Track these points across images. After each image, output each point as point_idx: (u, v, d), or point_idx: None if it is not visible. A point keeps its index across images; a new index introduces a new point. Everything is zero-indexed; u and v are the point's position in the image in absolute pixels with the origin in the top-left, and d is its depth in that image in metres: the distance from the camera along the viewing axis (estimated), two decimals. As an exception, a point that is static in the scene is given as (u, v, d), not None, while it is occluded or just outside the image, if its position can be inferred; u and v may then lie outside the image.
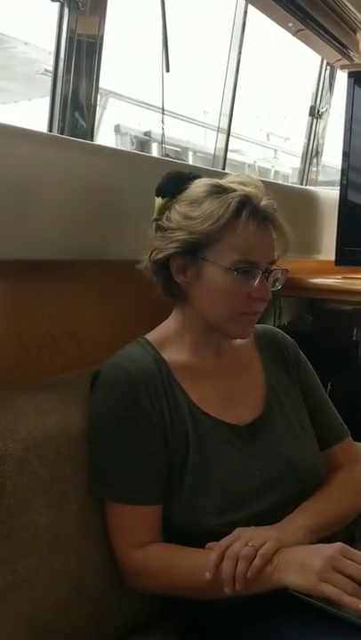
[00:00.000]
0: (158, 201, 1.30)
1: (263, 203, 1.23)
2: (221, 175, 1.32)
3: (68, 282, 1.53)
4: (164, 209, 1.29)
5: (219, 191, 1.24)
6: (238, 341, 1.38)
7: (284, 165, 4.84)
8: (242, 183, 1.26)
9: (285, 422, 1.35)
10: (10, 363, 1.42)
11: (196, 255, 1.24)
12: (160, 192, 1.30)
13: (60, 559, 1.20)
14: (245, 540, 1.11)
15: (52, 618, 1.19)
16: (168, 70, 1.70)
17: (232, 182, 1.26)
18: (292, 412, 1.37)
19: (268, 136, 5.31)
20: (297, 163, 3.16)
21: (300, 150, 3.08)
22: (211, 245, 1.22)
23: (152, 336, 1.35)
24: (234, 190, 1.23)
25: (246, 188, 1.24)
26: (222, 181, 1.27)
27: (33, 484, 1.16)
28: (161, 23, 1.67)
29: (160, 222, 1.28)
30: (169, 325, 1.35)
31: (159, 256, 1.26)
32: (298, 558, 1.10)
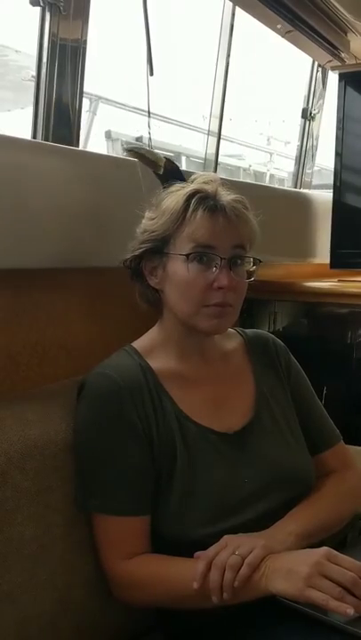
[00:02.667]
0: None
1: (217, 195, 1.24)
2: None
3: (56, 290, 1.51)
4: None
5: (175, 190, 1.26)
6: (228, 347, 1.38)
7: (282, 169, 4.83)
8: (202, 182, 1.27)
9: (275, 429, 1.33)
10: (-3, 374, 1.40)
11: (159, 251, 1.26)
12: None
13: (46, 572, 1.18)
14: (232, 549, 1.09)
15: (39, 632, 1.16)
16: (152, 74, 1.69)
17: (193, 182, 1.28)
18: (283, 419, 1.35)
19: (268, 140, 5.30)
20: (291, 166, 3.14)
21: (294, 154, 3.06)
22: (170, 240, 1.24)
23: (138, 344, 1.33)
24: (188, 187, 1.26)
25: (205, 186, 1.25)
26: (184, 183, 1.30)
27: (16, 497, 1.13)
28: (144, 27, 1.66)
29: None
30: (155, 332, 1.34)
31: (128, 258, 1.29)
32: (284, 565, 1.08)
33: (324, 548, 1.09)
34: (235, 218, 1.23)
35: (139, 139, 2.71)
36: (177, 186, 1.28)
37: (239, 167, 4.08)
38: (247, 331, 1.44)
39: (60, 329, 1.53)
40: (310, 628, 1.06)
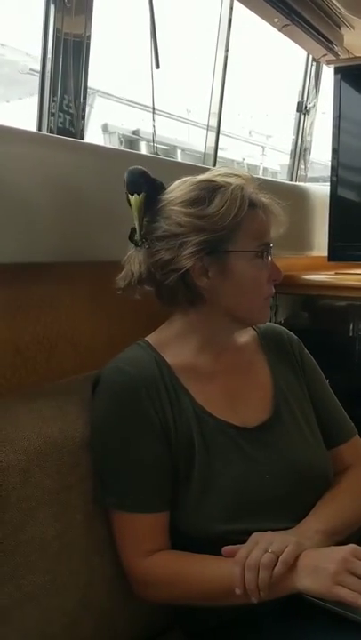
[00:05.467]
0: (136, 198, 1.25)
1: (258, 188, 1.27)
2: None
3: (62, 285, 1.50)
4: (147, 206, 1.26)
5: (218, 186, 1.23)
6: (242, 341, 1.37)
7: (270, 162, 4.84)
8: (227, 175, 1.26)
9: (294, 424, 1.32)
10: (5, 369, 1.39)
11: (217, 251, 1.21)
12: (135, 188, 1.25)
13: (67, 572, 1.16)
14: (264, 547, 1.07)
15: (61, 632, 1.15)
16: (158, 67, 1.66)
17: (218, 176, 1.26)
18: (300, 413, 1.34)
19: (250, 133, 5.32)
20: (283, 159, 3.14)
21: (284, 147, 3.07)
22: (231, 238, 1.22)
23: (152, 338, 1.32)
24: (229, 183, 1.23)
25: (244, 181, 1.25)
26: (211, 177, 1.26)
27: (37, 496, 1.12)
28: (149, 18, 1.63)
29: (162, 232, 1.23)
30: (171, 328, 1.31)
31: (184, 264, 1.20)
32: (311, 562, 1.07)
33: (351, 545, 1.08)
34: (275, 212, 1.27)
35: (135, 132, 2.71)
36: (207, 181, 1.24)
37: (233, 160, 4.09)
38: (259, 325, 1.42)
39: (66, 323, 1.52)
40: (337, 626, 1.06)
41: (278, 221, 1.27)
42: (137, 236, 1.26)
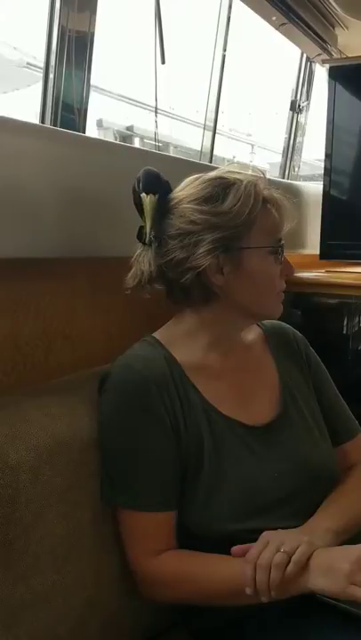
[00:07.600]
0: (152, 198, 1.24)
1: (268, 184, 1.27)
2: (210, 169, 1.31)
3: (61, 280, 1.48)
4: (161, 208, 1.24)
5: (231, 183, 1.22)
6: (249, 339, 1.37)
7: (258, 160, 4.88)
8: (238, 172, 1.26)
9: (302, 423, 1.32)
10: (5, 365, 1.37)
11: (231, 248, 1.21)
12: (151, 188, 1.24)
13: (76, 572, 1.15)
14: (276, 546, 1.06)
15: (70, 632, 1.15)
16: (163, 62, 1.62)
17: (229, 173, 1.26)
18: (307, 411, 1.34)
19: (230, 130, 5.36)
20: (270, 158, 3.15)
21: (269, 145, 3.08)
22: (246, 234, 1.21)
23: (160, 335, 1.31)
24: (241, 180, 1.23)
25: (254, 176, 1.25)
26: (222, 174, 1.26)
27: (47, 494, 1.11)
28: (154, 14, 1.61)
29: (175, 230, 1.22)
30: (180, 325, 1.30)
31: (200, 263, 1.19)
32: (324, 562, 1.06)
33: None
34: (287, 208, 1.27)
35: (129, 128, 2.70)
36: (220, 178, 1.24)
37: (223, 158, 4.09)
38: (265, 322, 1.42)
39: (64, 319, 1.50)
40: (346, 626, 1.06)
41: (289, 217, 1.27)
42: (148, 236, 1.23)
